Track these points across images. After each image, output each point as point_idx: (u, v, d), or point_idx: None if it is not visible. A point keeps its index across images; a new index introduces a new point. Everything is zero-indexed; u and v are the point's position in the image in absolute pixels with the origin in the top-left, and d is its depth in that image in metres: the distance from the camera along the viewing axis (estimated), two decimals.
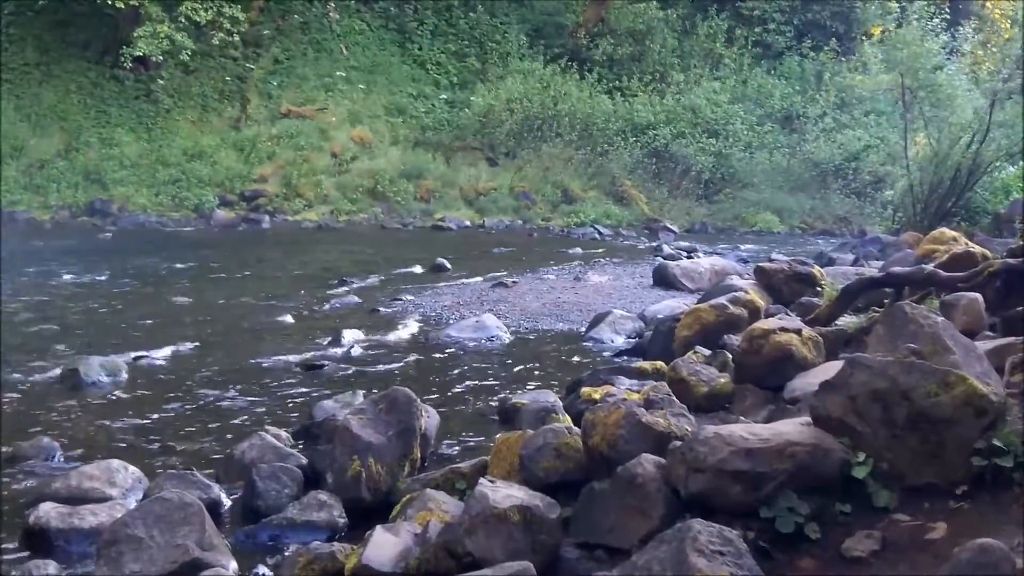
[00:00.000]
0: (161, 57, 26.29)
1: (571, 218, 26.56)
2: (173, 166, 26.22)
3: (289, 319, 12.22)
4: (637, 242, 23.46)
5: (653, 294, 14.05)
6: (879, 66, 25.78)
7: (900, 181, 24.58)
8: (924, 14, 26.66)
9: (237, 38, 27.49)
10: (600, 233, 24.81)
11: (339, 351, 10.32)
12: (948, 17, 27.96)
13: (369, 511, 5.54)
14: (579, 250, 20.53)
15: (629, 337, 10.94)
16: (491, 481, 4.75)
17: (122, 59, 25.94)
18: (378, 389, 7.24)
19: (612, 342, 10.86)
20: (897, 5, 30.96)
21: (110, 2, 24.82)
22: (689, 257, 17.99)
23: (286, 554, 5.04)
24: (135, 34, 25.37)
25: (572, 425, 5.69)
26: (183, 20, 25.76)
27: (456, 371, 9.62)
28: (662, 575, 3.75)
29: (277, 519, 5.48)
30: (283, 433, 6.96)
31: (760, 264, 11.62)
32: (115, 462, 6.06)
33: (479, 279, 15.56)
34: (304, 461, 6.28)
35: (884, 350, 5.10)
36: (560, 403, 7.14)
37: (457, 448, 6.93)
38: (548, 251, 20.36)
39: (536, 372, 9.59)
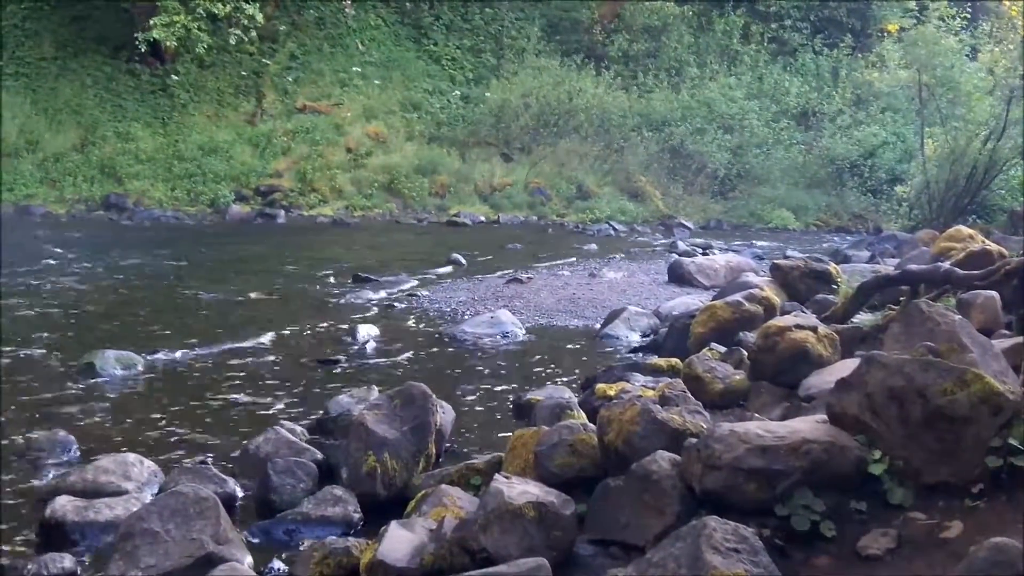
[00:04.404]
0: (176, 43, 26.25)
1: (586, 214, 26.54)
2: (189, 161, 26.23)
3: (304, 314, 12.23)
4: (652, 238, 23.44)
5: (668, 291, 14.03)
6: (897, 62, 25.75)
7: (916, 178, 24.54)
8: (946, 13, 26.62)
9: (254, 34, 27.52)
10: (615, 229, 24.78)
11: (354, 346, 10.34)
12: (969, 16, 27.91)
13: (384, 507, 5.54)
14: (594, 246, 20.52)
15: (644, 334, 10.93)
16: (506, 477, 4.75)
17: (136, 44, 25.98)
18: (393, 384, 7.24)
19: (627, 339, 10.85)
20: (915, 3, 30.88)
21: None
22: (704, 254, 18.01)
23: (301, 549, 5.05)
24: (151, 22, 25.43)
25: (587, 422, 5.69)
26: (201, 12, 25.72)
27: (471, 367, 9.63)
28: (677, 572, 3.75)
29: (292, 514, 5.49)
30: (298, 428, 6.97)
31: (776, 261, 11.60)
32: (131, 456, 6.09)
33: (494, 275, 15.56)
34: (319, 456, 6.29)
35: (900, 348, 5.09)
36: (575, 399, 7.13)
37: (472, 444, 6.93)
38: (563, 247, 20.34)
39: (551, 368, 9.59)
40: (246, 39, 27.35)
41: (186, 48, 26.91)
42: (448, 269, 16.45)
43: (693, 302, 11.47)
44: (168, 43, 26.32)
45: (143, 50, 26.53)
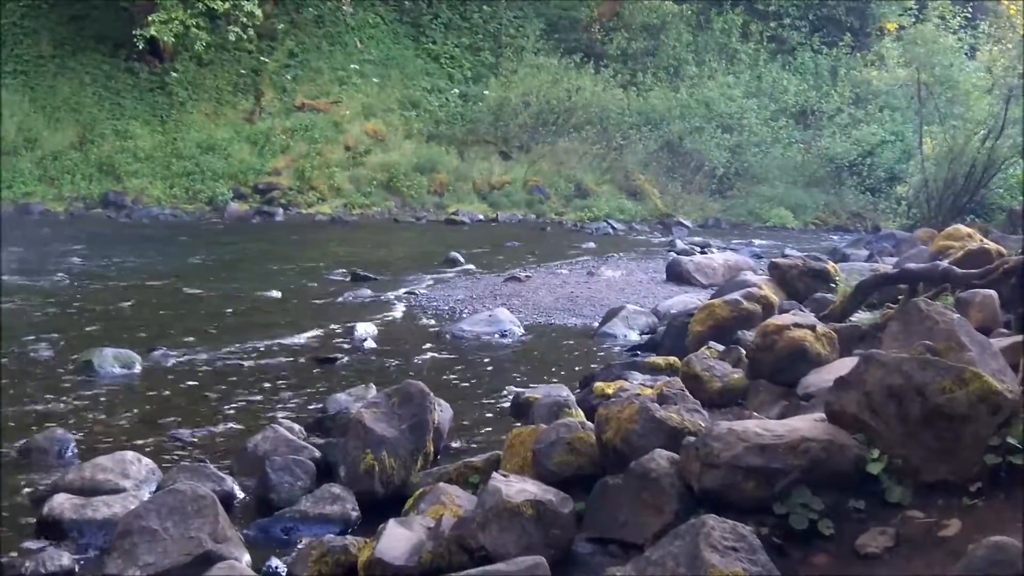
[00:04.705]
0: (174, 40, 26.22)
1: (584, 212, 26.54)
2: (187, 159, 26.25)
3: (302, 313, 12.23)
4: (650, 237, 23.46)
5: (666, 289, 14.03)
6: (896, 61, 25.77)
7: (915, 177, 24.57)
8: (945, 12, 26.66)
9: (252, 32, 27.50)
10: (613, 228, 24.77)
11: (352, 344, 10.33)
12: (968, 14, 27.94)
13: (382, 505, 5.53)
14: (592, 244, 20.52)
15: (642, 332, 10.92)
16: (504, 475, 4.75)
17: (135, 42, 25.95)
18: (391, 382, 7.23)
19: (625, 337, 10.85)
20: (914, 1, 30.90)
21: None
22: (703, 252, 18.01)
23: (299, 547, 5.03)
24: (149, 19, 25.40)
25: (585, 420, 5.69)
26: (200, 5, 25.63)
27: (469, 365, 9.62)
28: (676, 571, 3.75)
29: (290, 512, 5.48)
30: (296, 426, 6.96)
31: (774, 259, 11.60)
32: (128, 454, 6.07)
33: (492, 273, 15.55)
34: (317, 454, 6.27)
35: (899, 346, 5.08)
36: (573, 398, 7.11)
37: (470, 442, 6.93)
38: (561, 245, 20.33)
39: (549, 366, 9.58)
40: (245, 37, 27.35)
41: (184, 46, 26.92)
42: (446, 267, 16.44)
43: (691, 300, 11.45)
44: (166, 40, 26.28)
45: (141, 48, 26.50)
